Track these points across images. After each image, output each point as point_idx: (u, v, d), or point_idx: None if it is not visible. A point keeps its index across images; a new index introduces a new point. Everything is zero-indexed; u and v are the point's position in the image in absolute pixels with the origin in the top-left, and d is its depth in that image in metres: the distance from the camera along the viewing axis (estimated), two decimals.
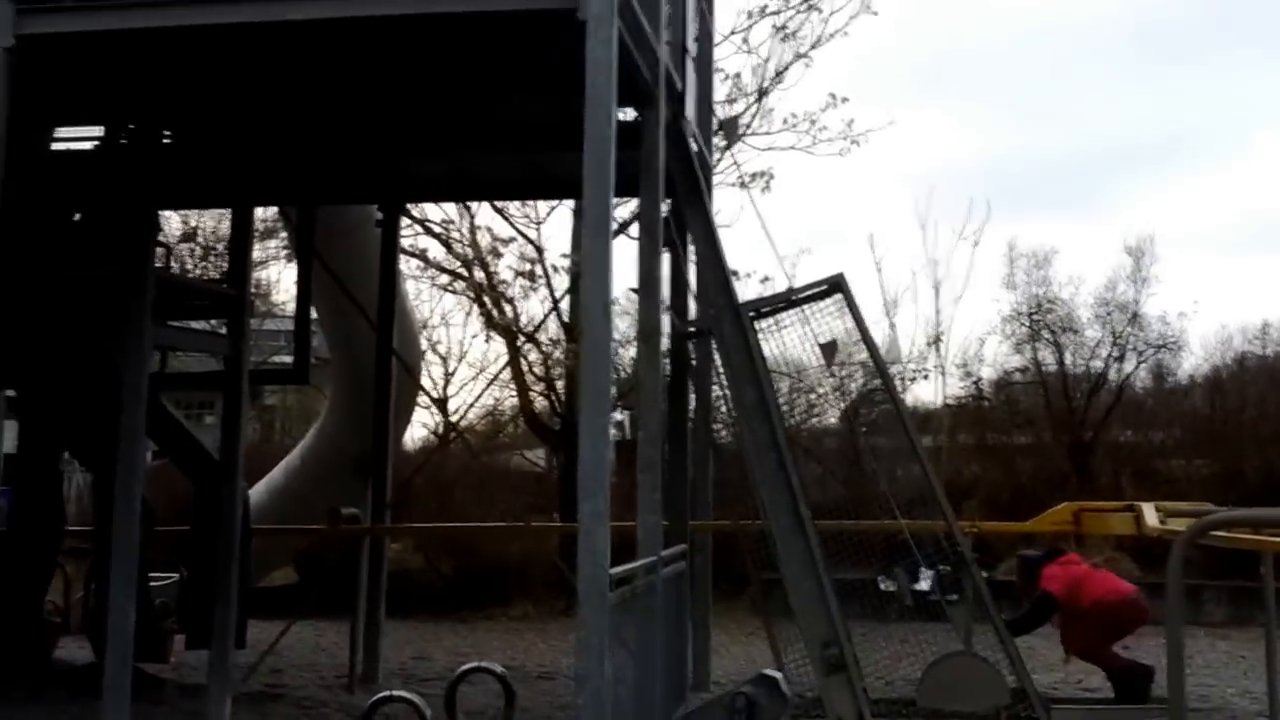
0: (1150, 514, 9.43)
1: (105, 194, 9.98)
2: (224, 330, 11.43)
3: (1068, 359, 20.16)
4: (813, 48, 18.62)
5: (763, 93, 18.64)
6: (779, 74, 18.65)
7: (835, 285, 9.47)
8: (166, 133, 9.89)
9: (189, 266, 20.29)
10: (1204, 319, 27.59)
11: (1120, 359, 20.10)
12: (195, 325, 13.23)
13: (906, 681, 9.18)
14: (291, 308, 24.63)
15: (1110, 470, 18.96)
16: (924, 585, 9.76)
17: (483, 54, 8.45)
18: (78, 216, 10.67)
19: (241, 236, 11.41)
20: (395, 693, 5.49)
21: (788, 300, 9.66)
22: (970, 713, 8.73)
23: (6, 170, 6.69)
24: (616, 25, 6.49)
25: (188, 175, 10.66)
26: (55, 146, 10.86)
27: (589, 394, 6.38)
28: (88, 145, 10.79)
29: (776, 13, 18.61)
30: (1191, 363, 21.61)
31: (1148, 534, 9.39)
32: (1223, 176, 42.45)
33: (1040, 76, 48.63)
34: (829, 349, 10.59)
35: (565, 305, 19.24)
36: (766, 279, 18.72)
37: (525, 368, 19.46)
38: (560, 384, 19.64)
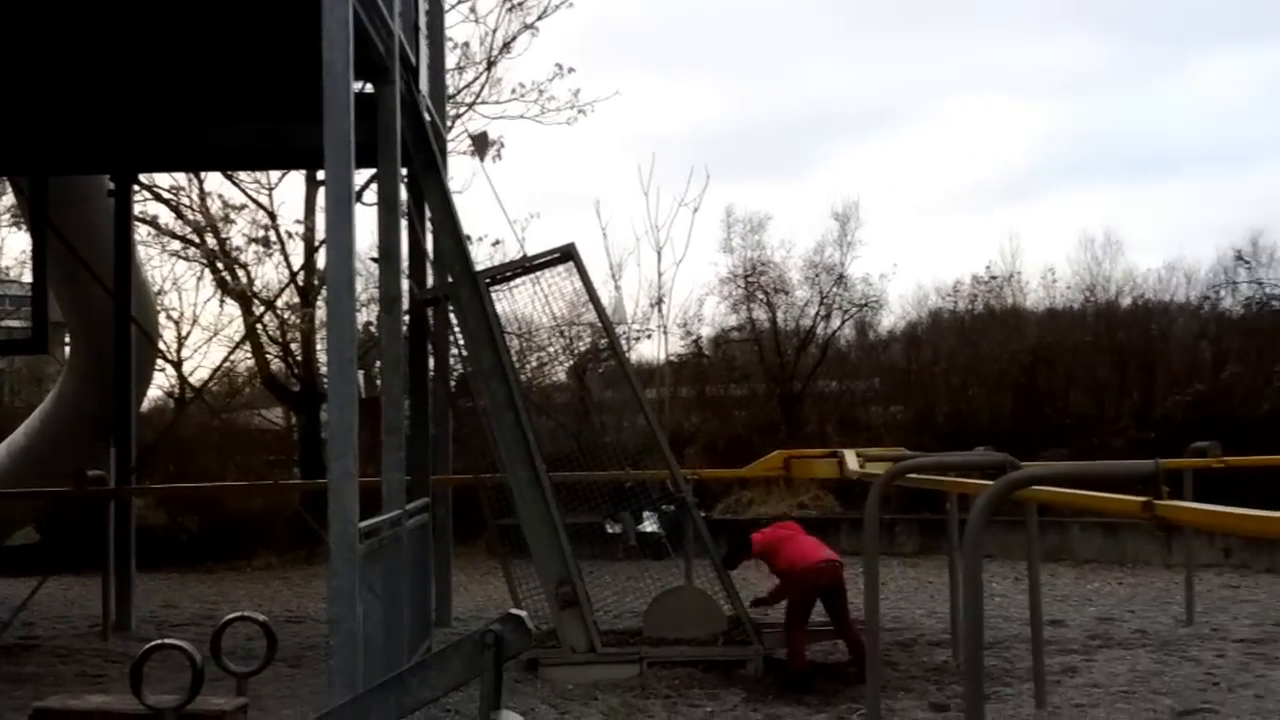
0: (851, 459, 10.05)
1: None
2: None
3: (780, 318, 21.45)
4: (539, 18, 19.14)
5: (491, 62, 19.08)
6: (507, 44, 19.09)
7: (567, 254, 10.20)
8: None
9: None
10: (903, 278, 29.64)
11: (827, 317, 21.52)
12: None
13: (634, 614, 10.11)
14: (15, 271, 23.99)
15: (817, 418, 20.38)
16: (650, 526, 10.66)
17: (220, 25, 8.64)
18: None
19: None
20: (168, 640, 5.81)
21: (522, 268, 10.34)
22: (691, 639, 9.59)
23: None
24: (351, 2, 6.77)
25: None
26: None
27: (334, 363, 6.83)
28: None
29: None
30: (891, 319, 23.38)
31: (849, 477, 9.96)
32: (920, 141, 45.31)
33: (754, 46, 50.44)
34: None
35: (298, 267, 19.36)
36: (498, 242, 19.50)
37: (261, 331, 19.56)
38: (296, 347, 19.84)
